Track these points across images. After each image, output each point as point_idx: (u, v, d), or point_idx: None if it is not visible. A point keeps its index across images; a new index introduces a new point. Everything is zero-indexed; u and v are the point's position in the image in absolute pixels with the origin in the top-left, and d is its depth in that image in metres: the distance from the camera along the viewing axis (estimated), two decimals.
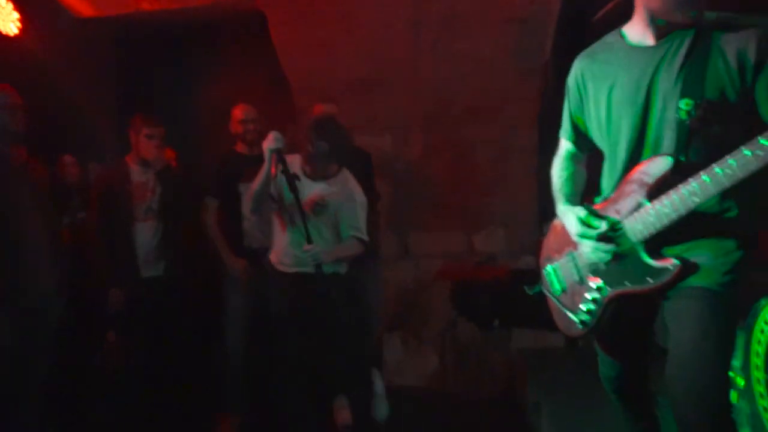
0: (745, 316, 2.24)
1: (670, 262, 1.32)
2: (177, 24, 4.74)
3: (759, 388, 2.11)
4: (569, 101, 1.60)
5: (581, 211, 1.47)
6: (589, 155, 1.65)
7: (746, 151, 1.14)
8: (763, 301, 2.11)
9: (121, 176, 2.96)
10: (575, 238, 1.48)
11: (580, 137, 1.61)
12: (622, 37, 1.44)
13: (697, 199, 1.24)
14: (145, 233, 2.94)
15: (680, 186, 1.26)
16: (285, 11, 4.12)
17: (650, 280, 1.35)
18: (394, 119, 4.20)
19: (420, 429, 3.23)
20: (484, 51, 4.05)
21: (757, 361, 2.13)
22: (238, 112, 3.23)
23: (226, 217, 3.18)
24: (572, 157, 1.66)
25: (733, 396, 2.29)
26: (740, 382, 2.25)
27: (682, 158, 1.29)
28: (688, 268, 1.32)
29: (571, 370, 2.95)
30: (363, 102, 4.18)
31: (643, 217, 1.35)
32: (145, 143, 2.98)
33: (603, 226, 1.41)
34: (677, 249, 1.36)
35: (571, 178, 1.62)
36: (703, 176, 1.21)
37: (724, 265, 1.34)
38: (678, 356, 1.35)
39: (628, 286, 1.40)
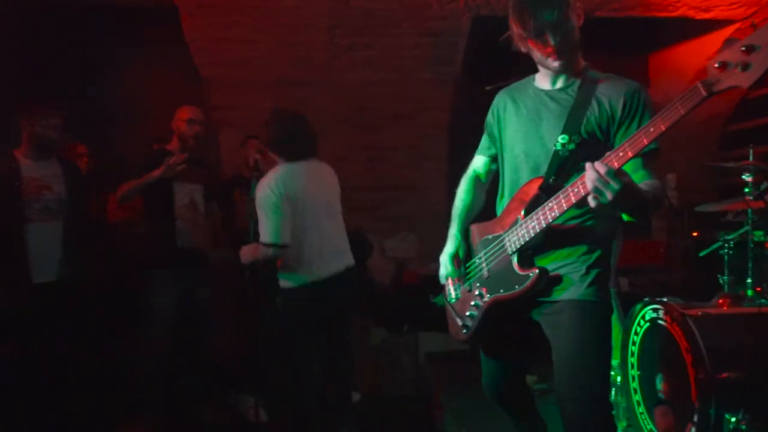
0: (624, 318, 2.50)
1: (532, 270, 1.52)
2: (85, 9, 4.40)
3: (633, 384, 2.36)
4: (488, 126, 1.81)
5: (454, 244, 1.75)
6: (490, 183, 1.87)
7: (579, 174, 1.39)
8: (638, 306, 2.36)
9: (8, 171, 2.65)
10: (441, 259, 1.78)
11: (492, 156, 1.82)
12: (533, 80, 1.69)
13: (555, 213, 1.45)
14: (41, 234, 2.68)
15: (545, 203, 1.48)
16: (198, 5, 3.97)
17: (517, 287, 1.54)
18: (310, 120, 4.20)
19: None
20: (399, 60, 4.16)
21: (632, 360, 2.38)
22: (186, 112, 3.05)
23: (156, 216, 3.04)
24: (476, 181, 1.86)
25: (612, 392, 2.54)
26: (618, 379, 2.50)
27: (551, 181, 1.51)
28: (543, 275, 1.50)
29: (475, 372, 3.10)
30: (279, 101, 4.13)
31: (517, 231, 1.56)
32: (42, 134, 2.71)
33: (453, 270, 1.74)
34: (546, 259, 1.56)
35: (469, 206, 1.83)
36: (560, 195, 1.44)
37: (586, 274, 1.54)
38: (559, 362, 1.54)
39: (502, 293, 1.58)
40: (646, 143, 1.28)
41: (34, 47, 4.54)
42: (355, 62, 4.13)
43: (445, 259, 1.77)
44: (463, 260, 1.75)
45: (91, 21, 4.48)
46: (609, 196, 1.26)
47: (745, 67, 1.12)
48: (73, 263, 2.79)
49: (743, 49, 1.12)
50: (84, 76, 4.57)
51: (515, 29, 1.56)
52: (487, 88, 3.07)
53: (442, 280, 1.80)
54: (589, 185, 1.28)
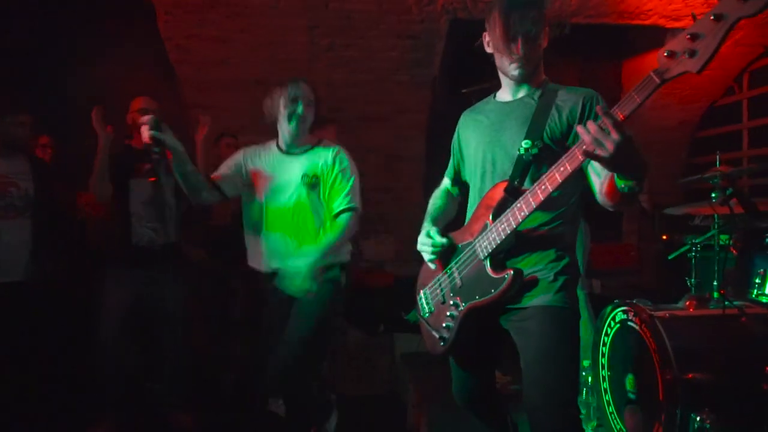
0: (595, 320, 2.54)
1: (507, 272, 1.52)
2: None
3: (604, 385, 2.40)
4: (453, 147, 1.86)
5: (432, 228, 1.71)
6: (461, 196, 1.90)
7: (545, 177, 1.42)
8: (609, 307, 2.40)
9: None
10: (419, 247, 1.72)
11: (458, 176, 1.88)
12: (494, 96, 1.76)
13: (524, 213, 1.45)
14: (6, 233, 2.62)
15: (513, 205, 1.49)
16: (175, 3, 3.91)
17: (493, 291, 1.53)
18: None
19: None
20: (377, 61, 4.17)
21: (603, 360, 2.42)
22: (139, 102, 2.95)
23: (114, 214, 2.92)
24: (448, 194, 1.93)
25: (583, 392, 2.58)
26: (589, 379, 2.54)
27: (516, 183, 1.54)
28: (518, 276, 1.51)
29: (449, 373, 3.12)
30: (256, 100, 4.08)
31: (487, 235, 1.56)
32: (9, 131, 2.66)
33: (437, 239, 1.67)
34: (519, 262, 1.57)
35: (442, 208, 1.87)
36: (527, 194, 1.46)
37: (554, 281, 1.55)
38: (527, 369, 1.54)
39: (478, 299, 1.58)
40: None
41: (2, 42, 4.41)
42: (333, 63, 4.12)
43: (421, 237, 1.72)
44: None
45: (65, 14, 4.37)
46: (610, 147, 1.22)
47: (692, 54, 1.17)
48: (41, 262, 2.72)
49: (688, 37, 1.17)
50: (56, 71, 4.45)
51: (492, 31, 1.61)
52: (464, 90, 3.10)
53: (429, 258, 1.72)
54: (587, 137, 1.23)
